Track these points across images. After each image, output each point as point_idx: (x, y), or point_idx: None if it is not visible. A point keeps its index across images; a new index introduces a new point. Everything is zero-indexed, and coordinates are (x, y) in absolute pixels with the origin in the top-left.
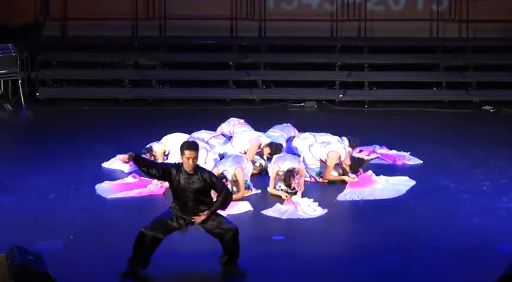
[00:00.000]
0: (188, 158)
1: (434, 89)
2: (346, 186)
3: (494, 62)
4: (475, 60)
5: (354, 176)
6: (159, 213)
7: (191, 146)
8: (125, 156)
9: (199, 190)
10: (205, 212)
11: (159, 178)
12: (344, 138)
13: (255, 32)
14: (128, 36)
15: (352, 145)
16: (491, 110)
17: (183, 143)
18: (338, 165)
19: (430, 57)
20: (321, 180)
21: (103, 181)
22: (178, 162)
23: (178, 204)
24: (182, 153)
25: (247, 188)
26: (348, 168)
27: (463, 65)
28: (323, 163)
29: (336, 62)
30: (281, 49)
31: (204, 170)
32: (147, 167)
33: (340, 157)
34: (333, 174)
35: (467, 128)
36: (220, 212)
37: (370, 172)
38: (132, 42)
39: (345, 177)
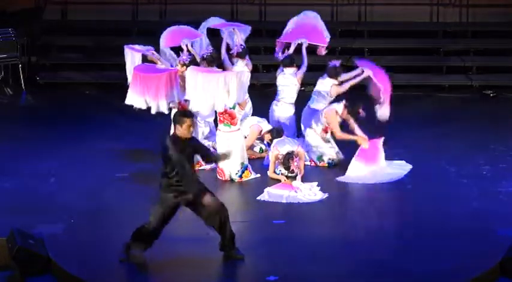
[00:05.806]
0: (189, 126)
1: (435, 73)
2: (348, 167)
3: (494, 47)
4: (475, 45)
5: (365, 136)
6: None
7: (189, 114)
8: None
9: (192, 152)
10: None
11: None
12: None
13: (255, 16)
14: (128, 21)
15: (338, 71)
16: (491, 95)
17: (177, 113)
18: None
19: (430, 42)
20: (321, 164)
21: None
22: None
23: (174, 177)
24: (182, 122)
25: (245, 168)
26: (351, 120)
27: (463, 50)
28: (326, 133)
29: (336, 46)
30: (282, 33)
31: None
32: None
33: (337, 112)
34: (344, 133)
35: (467, 112)
36: None
37: (380, 140)
38: (133, 27)
39: (356, 138)
